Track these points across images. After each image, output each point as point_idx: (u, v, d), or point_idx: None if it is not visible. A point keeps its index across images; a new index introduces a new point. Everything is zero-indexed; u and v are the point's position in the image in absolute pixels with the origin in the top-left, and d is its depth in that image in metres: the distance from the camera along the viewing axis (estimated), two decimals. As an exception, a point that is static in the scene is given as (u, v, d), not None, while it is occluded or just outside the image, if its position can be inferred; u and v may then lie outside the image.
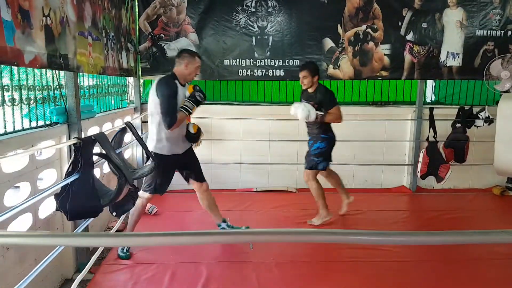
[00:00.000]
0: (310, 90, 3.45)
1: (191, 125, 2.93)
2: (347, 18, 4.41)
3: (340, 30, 4.43)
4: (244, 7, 4.38)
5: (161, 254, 2.99)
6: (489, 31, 4.47)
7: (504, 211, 4.26)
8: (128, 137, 3.36)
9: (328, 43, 4.45)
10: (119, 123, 3.82)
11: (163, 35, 4.38)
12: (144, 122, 4.54)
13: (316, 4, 4.37)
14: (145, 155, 3.00)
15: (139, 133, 4.27)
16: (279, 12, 4.39)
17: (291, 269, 2.82)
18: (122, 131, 2.62)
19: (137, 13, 4.35)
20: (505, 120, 4.14)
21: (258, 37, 4.43)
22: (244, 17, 4.39)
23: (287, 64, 4.48)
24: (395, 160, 4.85)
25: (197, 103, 2.76)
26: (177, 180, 4.62)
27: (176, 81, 2.75)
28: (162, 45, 4.39)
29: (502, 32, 4.47)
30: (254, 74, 4.48)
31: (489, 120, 4.37)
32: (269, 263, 2.90)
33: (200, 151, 4.63)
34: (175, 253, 2.98)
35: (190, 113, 2.74)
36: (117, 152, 2.28)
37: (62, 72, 2.76)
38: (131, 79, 4.59)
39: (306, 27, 4.41)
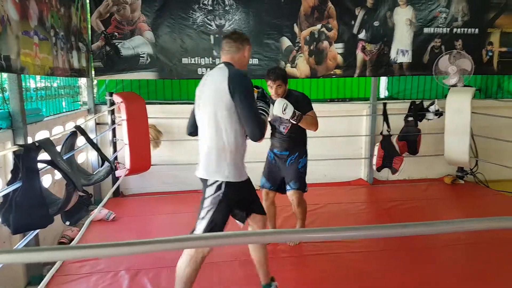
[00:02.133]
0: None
1: None
2: (303, 17, 4.48)
3: (296, 29, 4.48)
4: (201, 5, 4.32)
5: (119, 261, 2.88)
6: (436, 29, 4.71)
7: (455, 198, 4.51)
8: (82, 140, 3.22)
9: (286, 42, 4.49)
10: (71, 126, 3.65)
11: (116, 34, 4.23)
12: (98, 124, 4.37)
13: (272, 3, 4.40)
14: (100, 159, 2.89)
15: (94, 135, 4.12)
16: (236, 10, 4.37)
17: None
18: (73, 135, 2.50)
19: (88, 11, 4.17)
20: (453, 112, 4.39)
21: (216, 35, 4.39)
22: (201, 15, 4.33)
23: (246, 62, 4.46)
24: (352, 154, 5.00)
25: (268, 106, 2.10)
26: (134, 183, 4.54)
27: None
28: (116, 44, 4.24)
29: (448, 29, 4.71)
30: (213, 73, 4.43)
31: (439, 113, 4.61)
32: (232, 262, 2.89)
33: (162, 152, 4.55)
34: (133, 260, 2.88)
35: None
36: (66, 157, 2.18)
37: (5, 74, 2.60)
38: (83, 80, 4.39)
39: (264, 26, 4.43)
